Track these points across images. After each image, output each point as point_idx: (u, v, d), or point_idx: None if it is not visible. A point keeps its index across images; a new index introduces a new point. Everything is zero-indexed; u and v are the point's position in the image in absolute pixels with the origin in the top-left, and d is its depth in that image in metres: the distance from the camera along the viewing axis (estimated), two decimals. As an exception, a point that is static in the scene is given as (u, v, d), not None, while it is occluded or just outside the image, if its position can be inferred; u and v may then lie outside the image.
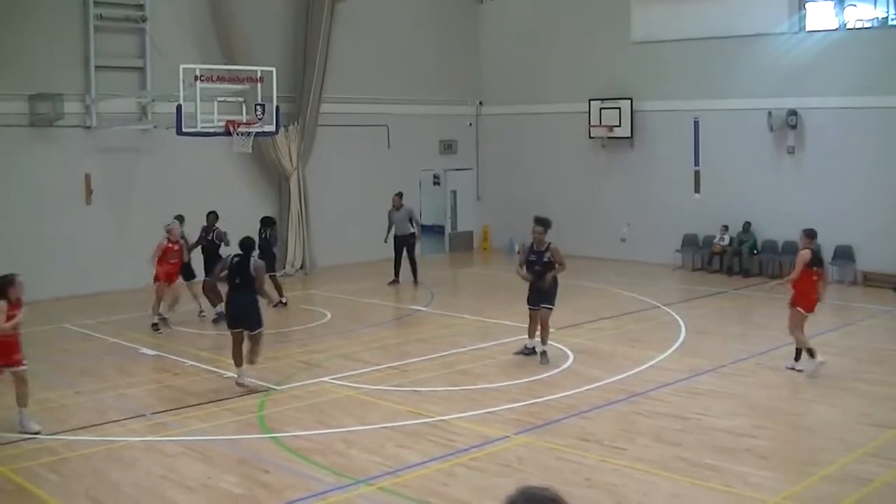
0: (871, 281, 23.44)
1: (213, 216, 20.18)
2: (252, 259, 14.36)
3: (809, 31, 25.05)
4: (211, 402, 13.64)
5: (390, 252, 24.31)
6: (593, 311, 20.10)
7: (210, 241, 19.85)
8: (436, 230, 32.63)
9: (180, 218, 19.32)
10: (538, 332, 16.02)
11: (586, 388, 14.21)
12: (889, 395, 13.90)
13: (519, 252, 16.18)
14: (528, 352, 16.18)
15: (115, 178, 23.38)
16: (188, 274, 19.68)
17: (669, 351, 16.51)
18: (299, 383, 14.54)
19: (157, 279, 18.48)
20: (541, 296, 15.89)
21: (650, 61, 27.35)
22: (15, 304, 12.12)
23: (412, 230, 24.41)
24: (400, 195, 24.54)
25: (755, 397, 13.81)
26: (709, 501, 9.85)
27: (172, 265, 18.56)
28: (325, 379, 14.70)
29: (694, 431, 12.16)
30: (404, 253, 24.25)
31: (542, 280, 15.76)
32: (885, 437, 11.85)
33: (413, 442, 11.68)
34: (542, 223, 15.84)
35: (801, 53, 24.48)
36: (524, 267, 15.99)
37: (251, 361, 14.32)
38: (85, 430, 12.39)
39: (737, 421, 12.59)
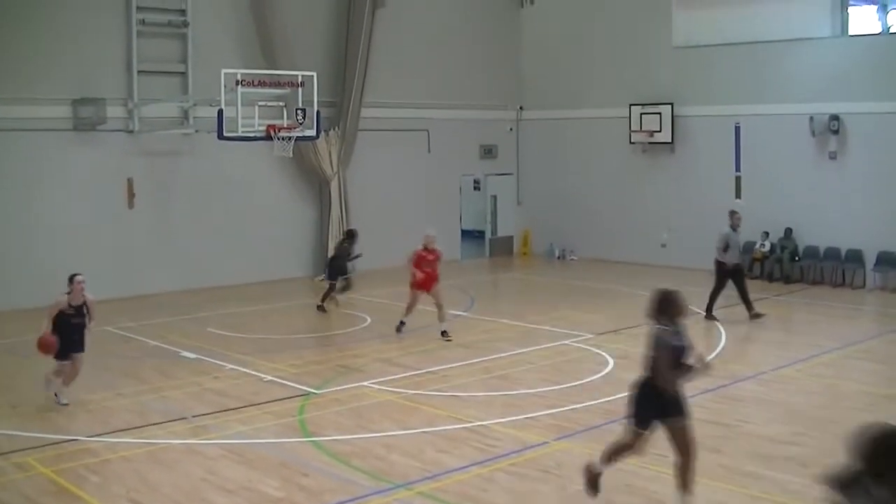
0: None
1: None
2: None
3: (852, 36, 24.88)
4: (251, 405, 13.73)
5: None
6: (633, 317, 19.94)
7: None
8: (476, 235, 32.66)
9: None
10: None
11: (626, 393, 14.14)
12: (933, 404, 13.75)
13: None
14: None
15: (158, 182, 23.58)
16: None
17: (710, 357, 16.34)
18: (340, 387, 14.58)
19: (414, 286, 18.38)
20: None
21: (691, 66, 27.23)
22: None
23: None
24: (736, 213, 20.50)
25: (796, 405, 13.71)
26: (749, 509, 9.79)
27: (427, 273, 18.28)
28: (366, 383, 14.74)
29: (734, 438, 12.09)
30: (728, 282, 20.15)
31: None
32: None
33: (452, 447, 11.69)
34: None
35: (844, 58, 24.27)
36: None
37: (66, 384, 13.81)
38: (126, 431, 12.50)
39: (777, 428, 12.51)
